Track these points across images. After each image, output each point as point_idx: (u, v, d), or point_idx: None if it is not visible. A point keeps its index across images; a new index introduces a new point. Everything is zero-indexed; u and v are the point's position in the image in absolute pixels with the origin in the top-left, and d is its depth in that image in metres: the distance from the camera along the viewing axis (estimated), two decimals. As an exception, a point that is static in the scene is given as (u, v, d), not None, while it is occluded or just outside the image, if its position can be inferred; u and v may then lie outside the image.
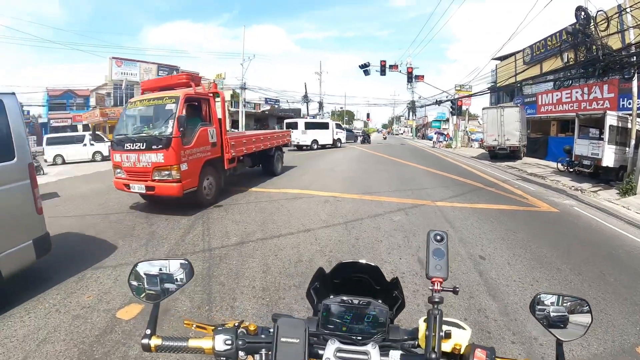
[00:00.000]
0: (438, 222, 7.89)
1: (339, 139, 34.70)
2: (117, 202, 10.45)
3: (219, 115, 10.34)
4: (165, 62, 60.99)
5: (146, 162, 8.65)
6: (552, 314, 1.17)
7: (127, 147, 8.92)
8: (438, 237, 1.17)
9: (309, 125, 32.78)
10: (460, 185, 12.75)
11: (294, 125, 31.22)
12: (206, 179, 9.67)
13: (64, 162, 25.25)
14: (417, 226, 7.58)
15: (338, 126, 37.37)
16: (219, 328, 1.19)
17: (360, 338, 1.16)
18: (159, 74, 58.64)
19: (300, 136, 30.96)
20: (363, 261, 1.25)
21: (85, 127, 52.93)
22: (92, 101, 55.80)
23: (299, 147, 31.67)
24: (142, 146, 8.67)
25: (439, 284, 1.11)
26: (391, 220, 8.00)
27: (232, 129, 36.59)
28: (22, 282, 5.40)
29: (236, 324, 1.20)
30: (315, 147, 32.39)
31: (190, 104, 9.54)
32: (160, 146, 8.46)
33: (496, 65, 35.86)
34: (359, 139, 47.74)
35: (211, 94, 10.26)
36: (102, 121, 45.52)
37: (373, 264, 1.24)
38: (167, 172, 8.48)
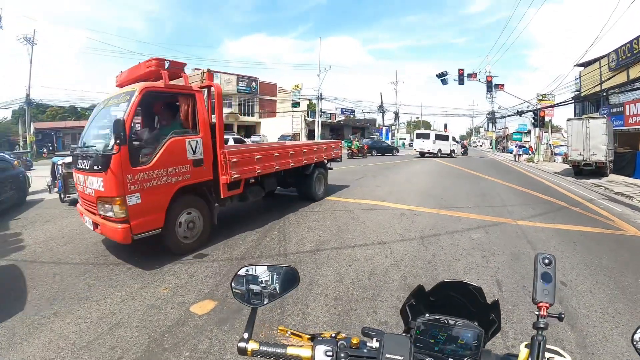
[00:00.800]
0: (519, 243, 7.43)
1: (453, 150, 38.82)
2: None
3: (213, 119, 7.35)
4: (245, 73, 63.10)
5: (90, 189, 6.01)
6: None
7: (78, 164, 6.43)
8: (546, 261, 1.14)
9: (438, 137, 38.70)
10: (542, 204, 12.05)
11: (425, 136, 38.53)
12: (186, 213, 6.66)
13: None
14: (497, 245, 7.15)
15: (453, 139, 42.98)
16: (318, 338, 1.19)
17: None
18: (239, 85, 60.89)
19: (430, 145, 36.99)
20: (466, 281, 1.20)
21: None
22: (178, 109, 58.52)
23: (422, 154, 37.69)
24: (86, 165, 6.05)
25: (545, 309, 1.09)
26: (470, 238, 7.62)
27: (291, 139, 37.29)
28: (99, 269, 5.70)
29: (333, 335, 1.20)
30: (439, 155, 37.67)
31: (160, 102, 7.06)
32: (99, 167, 5.66)
33: (580, 72, 33.66)
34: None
35: (198, 89, 7.06)
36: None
37: (476, 285, 1.19)
38: (108, 207, 5.66)
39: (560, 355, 1.09)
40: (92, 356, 3.51)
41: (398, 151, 38.41)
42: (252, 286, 1.31)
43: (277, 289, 1.32)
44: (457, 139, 54.59)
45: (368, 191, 13.45)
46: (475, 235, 7.81)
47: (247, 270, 1.33)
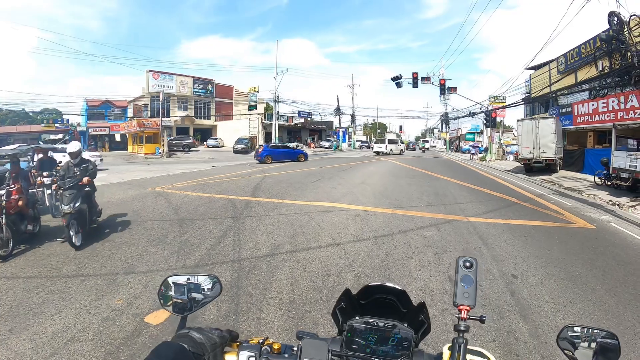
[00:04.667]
0: (470, 239, 7.74)
1: (402, 150, 48.50)
2: (151, 210, 10.64)
3: None
4: (201, 75, 62.42)
5: None
6: (579, 347, 1.15)
7: None
8: (467, 264, 1.15)
9: (391, 141, 49.27)
10: (494, 200, 12.51)
11: (382, 141, 50.80)
12: None
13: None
14: (449, 243, 7.44)
15: (401, 142, 56.14)
16: (244, 344, 1.19)
17: None
18: (195, 87, 60.14)
19: (383, 148, 46.63)
20: (390, 284, 1.23)
21: (123, 137, 54.61)
22: (130, 112, 57.49)
23: (377, 153, 45.92)
24: None
25: (465, 312, 1.10)
26: (422, 236, 7.87)
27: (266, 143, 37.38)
28: (53, 281, 5.60)
29: (261, 341, 1.20)
30: (390, 153, 46.01)
31: None
32: None
33: (530, 75, 35.22)
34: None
35: None
36: (140, 131, 46.73)
37: (400, 288, 1.22)
38: None
39: (484, 356, 1.13)
40: (48, 372, 3.46)
41: (306, 157, 34.11)
42: (178, 295, 1.33)
43: (202, 296, 1.33)
44: (413, 140, 64.77)
45: (324, 193, 13.57)
46: (427, 234, 8.07)
47: (172, 279, 1.34)
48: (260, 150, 31.82)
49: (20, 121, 63.04)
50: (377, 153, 46.42)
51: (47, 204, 10.41)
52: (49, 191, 10.46)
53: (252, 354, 1.15)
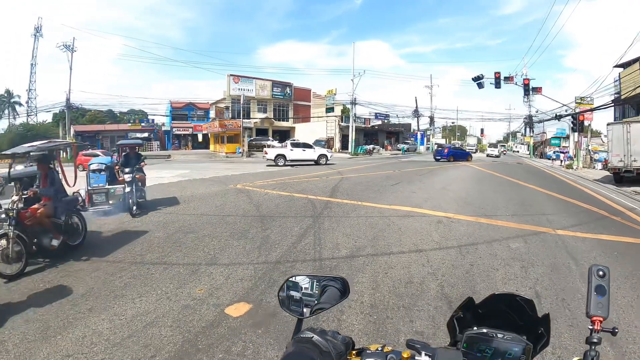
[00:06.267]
0: (559, 253, 7.15)
1: (323, 155, 32.19)
2: (233, 205, 10.86)
3: None
4: (279, 79, 63.98)
5: None
6: None
7: None
8: (600, 273, 1.12)
9: (296, 145, 32.92)
10: (582, 212, 11.62)
11: (495, 145, 53.03)
12: None
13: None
14: (536, 256, 6.88)
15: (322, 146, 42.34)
16: (367, 351, 1.13)
17: None
18: (273, 90, 61.67)
19: (496, 152, 47.33)
20: (519, 294, 1.17)
21: (205, 137, 57.00)
22: (212, 113, 60.00)
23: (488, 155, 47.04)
24: None
25: (599, 323, 1.07)
26: (508, 248, 7.37)
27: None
28: (136, 268, 5.77)
29: (379, 348, 1.14)
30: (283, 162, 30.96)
31: None
32: None
33: (619, 74, 32.41)
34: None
35: None
36: (221, 132, 48.60)
37: (528, 298, 1.16)
38: None
39: None
40: (125, 353, 3.53)
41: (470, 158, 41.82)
42: (299, 296, 1.30)
43: (326, 299, 1.28)
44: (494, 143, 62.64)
45: (403, 197, 13.25)
46: (514, 245, 7.57)
47: (295, 280, 1.31)
48: (445, 151, 39.89)
49: (108, 121, 67.57)
50: (488, 155, 54.69)
51: (127, 202, 9.93)
52: (128, 189, 10.00)
53: None
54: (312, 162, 30.50)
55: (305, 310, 1.28)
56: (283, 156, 29.64)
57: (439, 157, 38.75)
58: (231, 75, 59.50)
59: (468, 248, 7.29)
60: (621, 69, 31.72)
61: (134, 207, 9.72)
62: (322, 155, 31.46)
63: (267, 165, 28.92)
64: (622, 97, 29.95)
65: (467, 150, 47.00)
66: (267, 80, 63.15)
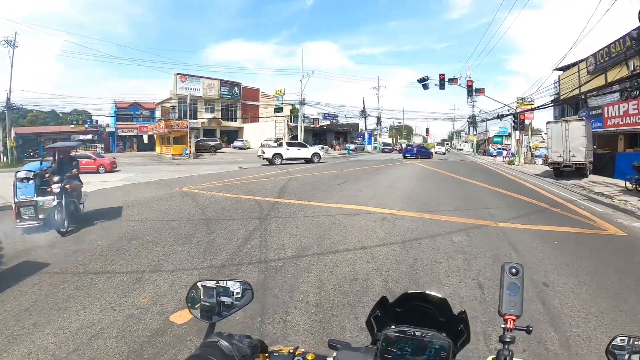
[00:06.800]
0: (500, 245, 7.51)
1: (316, 154, 35.04)
2: (178, 209, 10.69)
3: None
4: (227, 78, 63.25)
5: None
6: (633, 358, 1.08)
7: None
8: (513, 270, 1.11)
9: (291, 144, 35.09)
10: (523, 205, 12.19)
11: (442, 144, 53.70)
12: None
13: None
14: (479, 248, 7.20)
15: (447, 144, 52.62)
16: (274, 354, 1.16)
17: None
18: (221, 90, 60.91)
19: (285, 152, 33.40)
20: (431, 292, 1.18)
21: (151, 138, 55.61)
22: (158, 114, 58.56)
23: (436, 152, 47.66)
24: None
25: (511, 322, 1.07)
26: (451, 241, 7.66)
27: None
28: (79, 278, 5.62)
29: (291, 351, 1.16)
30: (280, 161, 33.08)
31: None
32: None
33: (559, 77, 34.49)
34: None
35: None
36: (167, 132, 47.53)
37: (441, 296, 1.17)
38: None
39: None
40: (71, 368, 3.44)
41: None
42: (206, 300, 1.29)
43: (232, 303, 1.29)
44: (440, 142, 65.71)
45: (350, 196, 13.43)
46: (456, 239, 7.87)
47: (202, 285, 1.30)
48: (414, 149, 46.14)
49: (51, 122, 64.80)
50: (436, 152, 56.85)
51: (55, 217, 8.30)
52: (56, 201, 8.40)
53: None
54: (304, 161, 32.85)
55: (213, 314, 1.27)
56: (280, 155, 31.37)
57: (408, 155, 44.91)
58: (178, 74, 58.34)
59: (412, 243, 7.51)
60: (561, 72, 33.47)
61: (65, 223, 8.25)
62: (315, 154, 34.07)
63: (262, 165, 30.17)
64: (562, 97, 31.65)
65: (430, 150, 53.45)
66: (215, 79, 62.30)
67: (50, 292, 5.20)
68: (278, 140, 49.35)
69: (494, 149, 57.88)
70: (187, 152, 43.06)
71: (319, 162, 33.15)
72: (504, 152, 42.53)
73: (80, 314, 4.48)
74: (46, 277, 5.72)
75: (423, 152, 46.83)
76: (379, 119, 70.53)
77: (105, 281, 5.53)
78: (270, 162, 30.82)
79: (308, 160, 33.06)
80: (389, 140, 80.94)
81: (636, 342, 1.09)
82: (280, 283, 5.41)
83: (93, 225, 9.18)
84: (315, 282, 5.46)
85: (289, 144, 33.87)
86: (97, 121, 61.22)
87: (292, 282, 5.47)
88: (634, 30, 13.52)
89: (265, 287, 5.26)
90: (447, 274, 5.89)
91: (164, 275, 5.75)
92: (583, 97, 25.60)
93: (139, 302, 4.82)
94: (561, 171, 21.44)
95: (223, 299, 1.28)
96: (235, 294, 1.29)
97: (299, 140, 38.05)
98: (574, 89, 27.80)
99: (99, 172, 25.91)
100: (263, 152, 31.79)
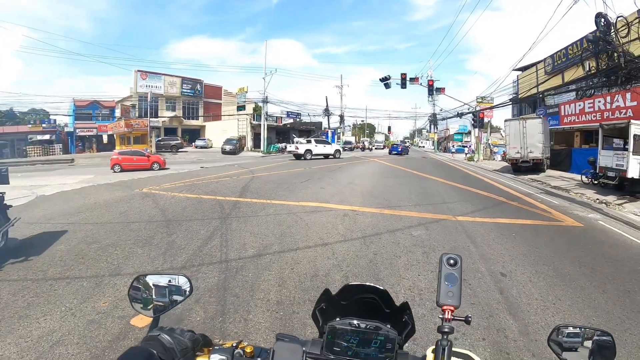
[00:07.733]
0: (459, 238, 7.76)
1: (338, 150, 40.75)
2: (138, 211, 10.54)
3: None
4: (189, 75, 62.26)
5: None
6: (573, 348, 1.13)
7: None
8: (451, 261, 1.11)
9: (318, 142, 41.13)
10: (482, 200, 12.58)
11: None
12: None
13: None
14: (438, 242, 7.46)
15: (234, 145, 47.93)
16: (216, 347, 1.17)
17: None
18: (183, 87, 59.93)
19: (314, 148, 38.62)
20: (370, 283, 1.19)
21: (110, 138, 54.23)
22: (118, 112, 57.11)
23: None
24: None
25: (449, 312, 1.07)
26: (411, 236, 7.88)
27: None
28: (38, 285, 5.51)
29: (234, 344, 1.18)
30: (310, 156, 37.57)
31: None
32: None
33: (517, 76, 35.72)
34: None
35: None
36: (127, 132, 46.43)
37: (381, 288, 1.19)
38: None
39: (470, 358, 1.10)
40: (32, 377, 3.40)
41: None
42: (148, 295, 1.30)
43: (172, 297, 1.31)
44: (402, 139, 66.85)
45: (312, 193, 13.52)
46: (416, 233, 8.09)
47: (143, 280, 1.31)
48: (400, 147, 51.78)
49: (7, 122, 62.34)
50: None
51: None
52: None
53: (224, 357, 1.11)
54: (330, 156, 37.85)
55: (154, 309, 1.30)
56: (310, 151, 36.10)
57: (394, 152, 50.30)
58: (139, 71, 56.88)
59: (372, 238, 7.70)
60: (519, 72, 34.56)
61: None
62: (337, 150, 39.58)
63: (290, 160, 34.06)
64: (520, 96, 32.68)
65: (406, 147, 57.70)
66: (177, 76, 61.06)
67: (10, 300, 5.08)
68: (240, 139, 49.28)
69: (454, 146, 59.44)
70: (147, 151, 42.29)
71: (339, 157, 38.50)
72: (465, 149, 43.64)
73: (41, 322, 4.40)
74: (5, 285, 5.59)
75: (405, 149, 53.88)
76: (342, 117, 70.84)
77: (64, 287, 5.43)
78: (300, 157, 35.26)
79: (332, 156, 37.89)
80: (352, 139, 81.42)
81: (578, 331, 1.16)
82: (241, 282, 5.45)
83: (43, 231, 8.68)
84: (277, 280, 5.54)
85: (317, 142, 38.72)
86: (55, 120, 59.18)
87: (253, 281, 5.52)
88: (590, 33, 13.99)
89: (226, 287, 5.30)
90: (407, 267, 6.07)
91: (124, 278, 5.69)
92: (541, 95, 26.44)
93: (100, 306, 4.78)
94: (519, 166, 22.29)
95: (165, 294, 1.30)
96: (176, 288, 1.32)
97: (322, 139, 45.02)
98: (532, 88, 28.74)
99: (153, 169, 25.43)
100: (297, 148, 36.13)
